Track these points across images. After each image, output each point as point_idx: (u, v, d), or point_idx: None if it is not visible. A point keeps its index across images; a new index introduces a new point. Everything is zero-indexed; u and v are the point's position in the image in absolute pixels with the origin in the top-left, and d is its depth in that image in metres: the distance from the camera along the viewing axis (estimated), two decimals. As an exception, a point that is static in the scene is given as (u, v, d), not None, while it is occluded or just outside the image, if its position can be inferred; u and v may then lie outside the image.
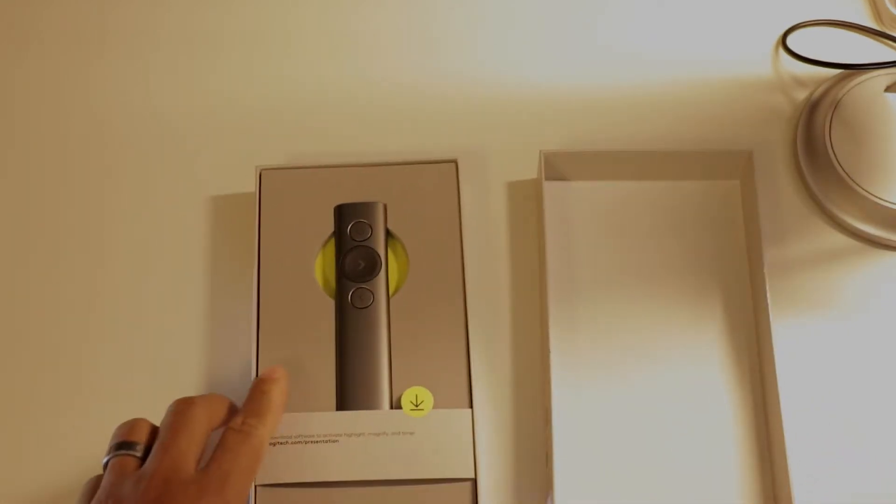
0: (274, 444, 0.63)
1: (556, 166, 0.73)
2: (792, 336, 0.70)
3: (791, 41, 0.80)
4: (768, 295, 0.68)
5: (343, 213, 0.69)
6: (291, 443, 0.64)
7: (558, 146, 0.75)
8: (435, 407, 0.65)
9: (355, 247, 0.69)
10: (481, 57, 0.80)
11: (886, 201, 0.72)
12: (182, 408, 0.59)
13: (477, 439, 0.64)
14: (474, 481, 0.63)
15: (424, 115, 0.78)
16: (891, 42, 0.80)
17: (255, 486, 0.63)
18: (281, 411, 0.63)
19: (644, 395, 0.69)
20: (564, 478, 0.66)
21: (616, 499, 0.67)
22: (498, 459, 0.68)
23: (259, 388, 0.63)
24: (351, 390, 0.65)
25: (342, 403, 0.65)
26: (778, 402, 0.66)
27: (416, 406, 0.65)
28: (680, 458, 0.68)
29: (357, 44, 0.81)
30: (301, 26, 0.82)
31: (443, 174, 0.71)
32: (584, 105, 0.78)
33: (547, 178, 0.73)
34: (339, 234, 0.69)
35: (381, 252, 0.69)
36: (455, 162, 0.71)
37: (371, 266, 0.68)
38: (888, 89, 0.76)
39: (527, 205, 0.75)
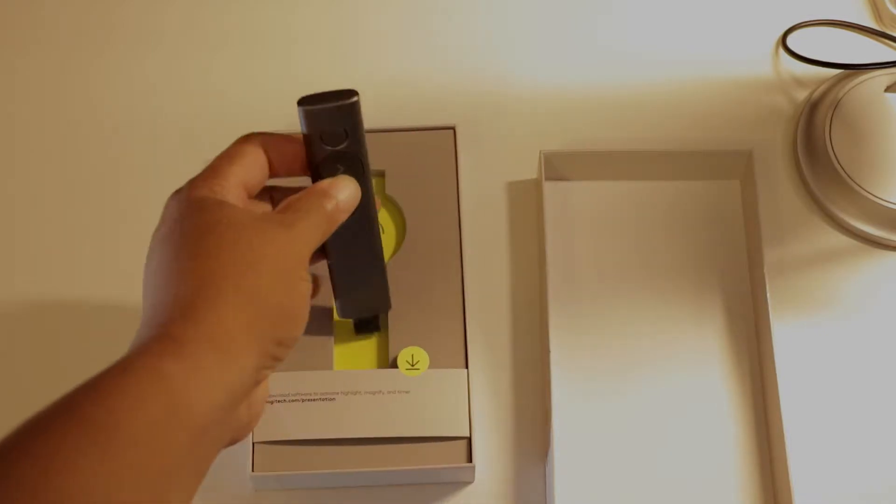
0: (271, 402, 0.64)
1: (556, 166, 0.73)
2: (792, 336, 0.70)
3: (791, 41, 0.80)
4: (768, 295, 0.68)
5: (311, 118, 0.55)
6: (289, 401, 0.65)
7: (558, 146, 0.75)
8: (430, 367, 0.66)
9: (331, 154, 0.56)
10: (481, 57, 0.80)
11: (886, 201, 0.72)
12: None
13: (474, 399, 0.65)
14: (469, 440, 0.64)
15: (424, 114, 0.77)
16: (891, 42, 0.80)
17: (253, 444, 0.64)
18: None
19: (644, 395, 0.69)
20: (565, 477, 0.66)
21: (616, 497, 0.67)
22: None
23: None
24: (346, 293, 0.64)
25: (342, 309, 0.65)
26: (778, 403, 0.66)
27: (412, 366, 0.66)
28: (680, 457, 0.68)
29: (357, 43, 0.81)
30: (301, 25, 0.82)
31: (441, 141, 0.72)
32: (584, 105, 0.78)
33: (547, 178, 0.73)
34: (308, 140, 0.56)
35: (363, 155, 0.57)
36: (453, 128, 0.72)
37: (352, 170, 0.57)
38: (888, 89, 0.76)
39: (527, 205, 0.75)
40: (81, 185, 0.76)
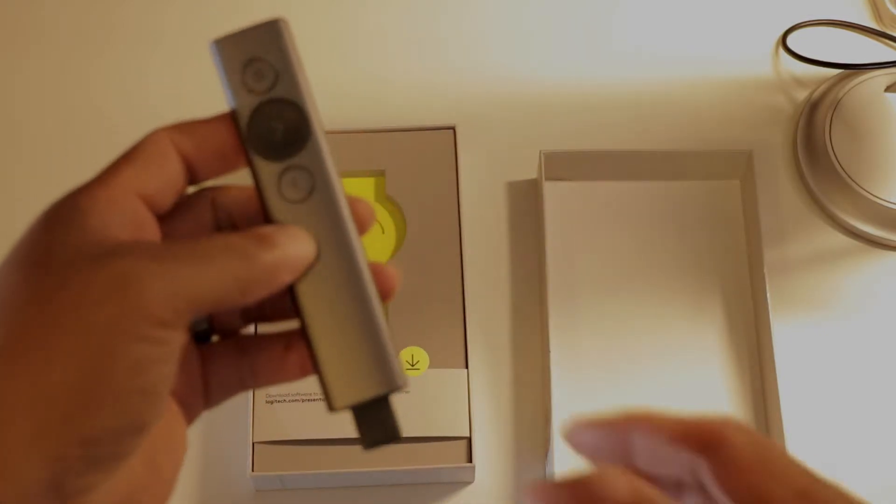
0: (271, 402, 0.65)
1: (556, 166, 0.73)
2: (792, 336, 0.70)
3: (791, 41, 0.80)
4: (768, 295, 0.68)
5: (226, 54, 0.41)
6: (289, 401, 0.65)
7: (558, 146, 0.75)
8: (430, 367, 0.66)
9: (261, 104, 0.40)
10: (481, 57, 0.80)
11: (886, 201, 0.72)
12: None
13: (474, 399, 0.66)
14: (469, 440, 0.64)
15: (424, 114, 0.77)
16: (891, 42, 0.80)
17: (253, 444, 0.64)
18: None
19: (644, 395, 0.69)
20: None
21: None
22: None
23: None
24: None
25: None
26: (778, 402, 0.66)
27: (412, 366, 0.66)
28: (680, 457, 0.68)
29: (357, 42, 0.81)
30: (301, 26, 0.82)
31: (441, 141, 0.72)
32: (584, 105, 0.78)
33: (547, 178, 0.73)
34: (229, 90, 0.41)
35: (305, 102, 0.39)
36: (453, 128, 0.73)
37: (294, 128, 0.39)
38: (888, 89, 0.76)
39: (527, 205, 0.75)
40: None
